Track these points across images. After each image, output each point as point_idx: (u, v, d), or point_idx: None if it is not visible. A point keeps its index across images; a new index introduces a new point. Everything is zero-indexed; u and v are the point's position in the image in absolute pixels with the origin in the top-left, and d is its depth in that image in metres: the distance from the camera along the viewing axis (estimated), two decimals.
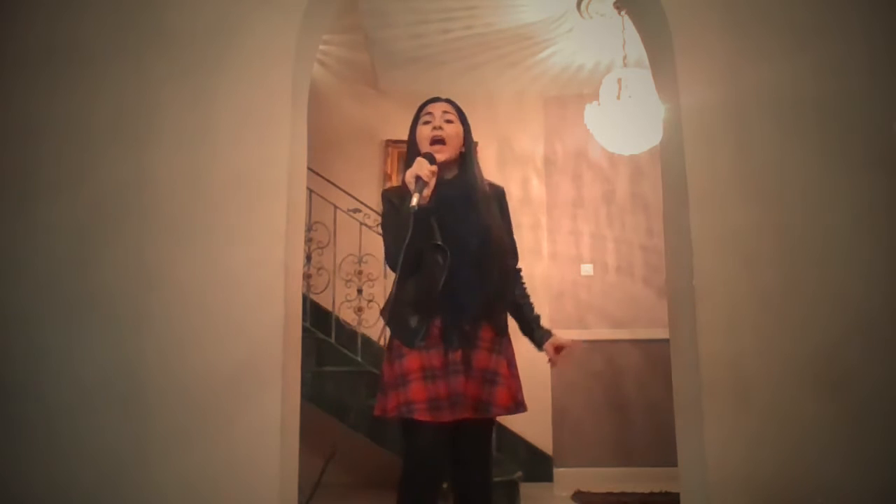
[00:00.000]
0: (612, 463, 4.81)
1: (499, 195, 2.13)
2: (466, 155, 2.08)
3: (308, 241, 4.26)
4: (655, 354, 4.75)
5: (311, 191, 4.21)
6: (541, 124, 5.28)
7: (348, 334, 4.37)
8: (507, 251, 2.06)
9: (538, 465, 4.71)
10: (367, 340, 4.24)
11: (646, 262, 5.11)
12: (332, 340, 4.23)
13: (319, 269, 4.50)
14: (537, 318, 2.14)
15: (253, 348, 2.16)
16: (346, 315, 4.45)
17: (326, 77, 5.12)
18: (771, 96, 2.29)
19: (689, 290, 2.21)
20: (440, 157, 1.96)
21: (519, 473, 4.00)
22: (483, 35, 4.45)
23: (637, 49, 3.78)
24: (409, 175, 1.89)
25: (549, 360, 2.13)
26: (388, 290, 2.02)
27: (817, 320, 2.17)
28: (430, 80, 4.89)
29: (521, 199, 5.11)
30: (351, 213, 4.45)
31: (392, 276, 2.00)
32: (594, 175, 5.25)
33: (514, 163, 5.20)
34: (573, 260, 5.15)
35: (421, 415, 1.84)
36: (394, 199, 2.04)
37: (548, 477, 4.73)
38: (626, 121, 4.00)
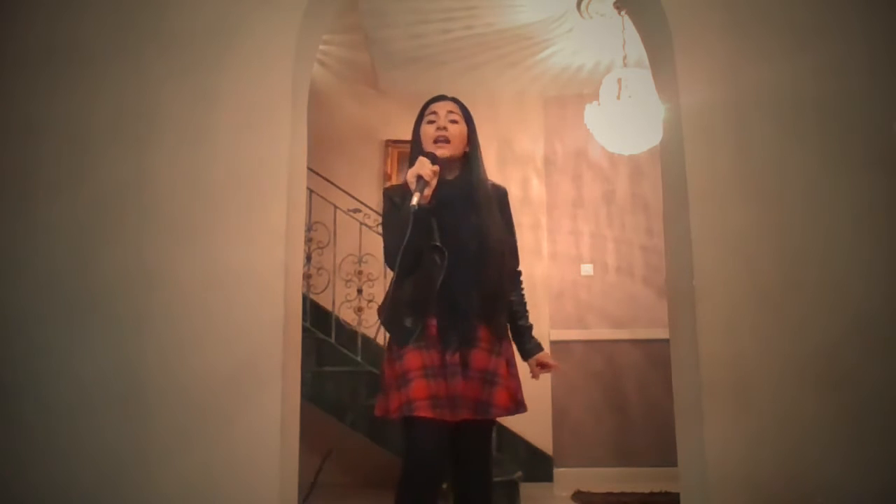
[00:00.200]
0: (612, 463, 4.81)
1: (501, 196, 2.13)
2: (470, 155, 2.07)
3: (308, 241, 4.26)
4: (655, 354, 4.75)
5: (311, 191, 4.21)
6: (541, 124, 5.28)
7: (348, 334, 4.37)
8: (507, 253, 2.05)
9: (538, 465, 4.70)
10: (367, 340, 4.24)
11: (646, 262, 5.11)
12: (332, 340, 4.23)
13: (319, 269, 4.50)
14: (530, 327, 2.14)
15: (253, 348, 2.16)
16: (346, 315, 4.45)
17: (326, 77, 5.12)
18: (771, 96, 2.29)
19: (689, 290, 2.21)
20: (442, 153, 1.96)
21: (519, 473, 4.00)
22: (483, 35, 4.45)
23: (637, 49, 3.78)
24: (411, 174, 1.89)
25: (531, 373, 2.13)
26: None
27: (817, 320, 2.17)
28: (430, 80, 4.89)
29: (521, 199, 5.11)
30: (351, 213, 4.45)
31: (392, 275, 2.00)
32: (594, 175, 5.25)
33: (514, 163, 5.20)
34: (573, 260, 5.15)
35: (422, 411, 1.83)
36: (395, 198, 2.03)
37: (548, 477, 4.73)
38: (626, 121, 4.00)
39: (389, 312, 1.96)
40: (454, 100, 2.11)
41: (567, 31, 4.37)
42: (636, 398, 4.90)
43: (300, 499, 2.15)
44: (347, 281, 4.43)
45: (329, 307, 4.47)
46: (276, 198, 2.25)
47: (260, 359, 2.16)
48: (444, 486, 1.92)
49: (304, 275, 3.76)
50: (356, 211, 4.44)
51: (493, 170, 4.95)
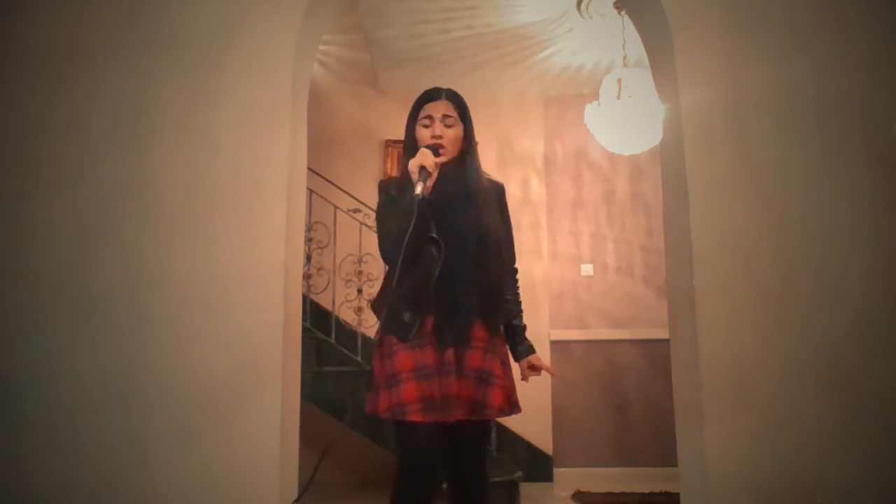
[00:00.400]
0: (612, 463, 4.81)
1: (498, 192, 2.10)
2: (467, 150, 2.03)
3: (308, 241, 4.26)
4: (655, 354, 4.75)
5: (311, 191, 4.22)
6: (541, 124, 5.28)
7: (348, 334, 4.37)
8: (505, 249, 2.03)
9: (538, 465, 4.71)
10: (367, 340, 4.24)
11: (646, 262, 5.11)
12: (332, 340, 4.23)
13: (319, 269, 4.50)
14: (524, 327, 2.09)
15: (253, 348, 2.17)
16: (346, 315, 4.45)
17: (326, 77, 5.12)
18: (771, 96, 2.29)
19: (689, 290, 2.21)
20: (439, 160, 1.92)
21: (519, 473, 4.00)
22: (483, 35, 4.45)
23: (637, 49, 3.78)
24: (413, 164, 1.86)
25: (521, 375, 2.06)
26: None
27: (817, 320, 2.17)
28: (430, 80, 4.81)
29: (521, 199, 5.11)
30: (351, 213, 4.45)
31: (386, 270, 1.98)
32: (594, 175, 5.25)
33: (514, 163, 5.20)
34: (573, 260, 5.15)
35: (414, 416, 1.80)
36: (391, 191, 1.99)
37: (548, 477, 4.74)
38: (626, 121, 4.00)
39: (386, 307, 1.92)
40: (449, 95, 2.05)
41: (567, 31, 4.37)
42: (636, 398, 4.90)
43: (298, 494, 2.16)
44: (347, 281, 4.43)
45: (329, 307, 4.47)
46: (276, 198, 2.25)
47: (260, 359, 2.16)
48: (444, 485, 1.92)
49: (304, 275, 3.76)
50: (356, 211, 4.44)
51: (494, 170, 4.93)
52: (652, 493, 4.18)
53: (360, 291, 4.38)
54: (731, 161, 2.25)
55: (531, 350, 2.07)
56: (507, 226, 2.09)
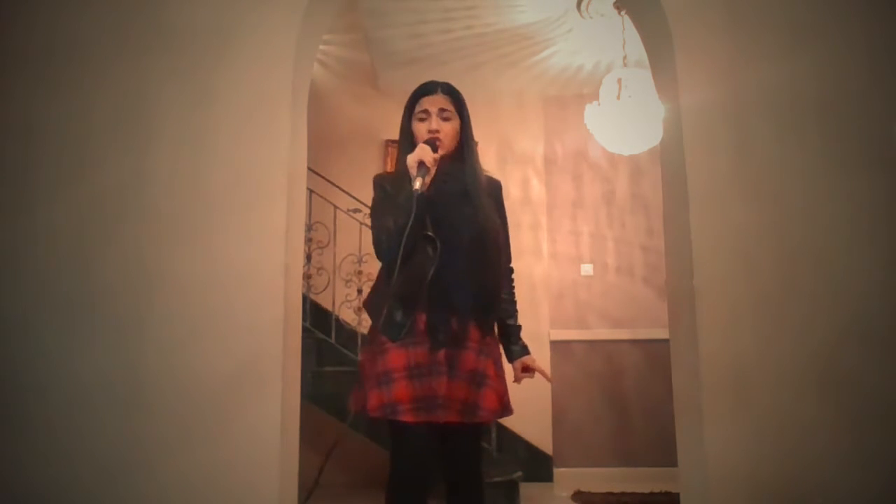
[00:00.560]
0: (612, 463, 4.81)
1: (495, 189, 2.07)
2: (464, 146, 2.00)
3: (308, 241, 4.26)
4: (655, 354, 4.75)
5: (311, 191, 4.22)
6: (541, 124, 5.28)
7: (348, 334, 4.37)
8: (501, 248, 2.00)
9: (538, 465, 4.71)
10: (367, 340, 4.24)
11: (646, 262, 5.11)
12: (332, 340, 4.23)
13: (319, 269, 4.50)
14: (518, 328, 2.07)
15: (253, 348, 2.16)
16: (346, 315, 4.46)
17: (326, 77, 5.12)
18: (771, 96, 2.29)
19: (689, 290, 2.21)
20: (438, 153, 1.89)
21: (519, 473, 4.00)
22: (483, 35, 4.45)
23: (637, 49, 3.78)
24: (412, 159, 1.83)
25: (514, 377, 2.03)
26: None
27: (817, 320, 2.17)
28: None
29: (521, 199, 5.11)
30: (351, 213, 4.45)
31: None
32: (594, 175, 5.25)
33: (514, 163, 5.20)
34: (573, 260, 5.15)
35: (406, 415, 1.78)
36: (387, 186, 1.96)
37: (548, 477, 4.74)
38: (625, 121, 4.01)
39: (378, 305, 1.89)
40: (445, 88, 2.02)
41: (567, 31, 4.38)
42: (636, 398, 4.90)
43: (303, 497, 2.15)
44: (347, 281, 4.44)
45: (329, 307, 4.47)
46: (276, 198, 2.25)
47: (260, 359, 2.16)
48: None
49: (304, 275, 3.76)
50: (356, 211, 4.44)
51: (494, 170, 4.93)
52: (652, 493, 4.18)
53: (360, 291, 4.38)
54: (731, 161, 2.25)
55: (525, 351, 2.04)
56: (504, 224, 2.05)
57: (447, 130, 1.96)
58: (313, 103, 2.61)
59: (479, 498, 1.94)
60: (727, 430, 2.11)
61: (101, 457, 2.13)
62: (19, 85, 2.32)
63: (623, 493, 4.21)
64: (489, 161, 5.10)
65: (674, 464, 2.35)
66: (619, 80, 4.09)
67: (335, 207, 4.46)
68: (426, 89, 2.02)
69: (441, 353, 1.83)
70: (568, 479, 4.67)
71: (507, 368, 2.00)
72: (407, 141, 1.99)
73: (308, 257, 4.30)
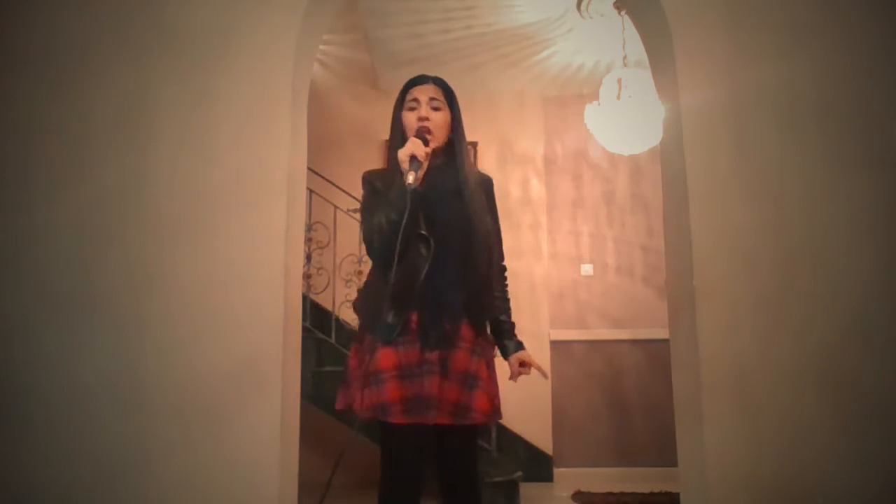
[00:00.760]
0: (612, 463, 4.81)
1: (487, 186, 2.02)
2: (455, 141, 1.95)
3: (308, 241, 4.26)
4: (655, 354, 4.75)
5: (311, 191, 4.22)
6: (541, 124, 5.28)
7: (348, 334, 4.37)
8: (493, 246, 1.96)
9: (538, 465, 4.71)
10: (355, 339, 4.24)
11: (646, 262, 5.11)
12: (332, 340, 4.23)
13: (319, 269, 4.50)
14: (512, 324, 2.02)
15: (253, 348, 2.16)
16: (346, 315, 4.45)
17: (326, 77, 5.12)
18: (771, 96, 2.29)
19: (689, 290, 2.21)
20: (429, 146, 1.83)
21: (519, 473, 4.00)
22: (483, 35, 4.45)
23: (637, 49, 3.78)
24: (403, 154, 1.78)
25: (511, 373, 1.98)
26: None
27: (817, 320, 2.17)
28: None
29: (521, 199, 5.12)
30: (351, 214, 4.45)
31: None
32: (594, 175, 5.26)
33: (514, 163, 5.20)
34: (573, 260, 5.15)
35: (396, 417, 1.75)
36: (376, 183, 1.92)
37: (548, 477, 4.74)
38: (626, 121, 4.01)
39: (369, 306, 1.86)
40: (436, 80, 1.98)
41: (567, 31, 4.38)
42: (636, 398, 4.91)
43: (312, 500, 2.14)
44: (347, 281, 4.44)
45: (329, 307, 4.47)
46: (276, 198, 2.25)
47: (260, 359, 2.16)
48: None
49: (304, 275, 3.76)
50: (356, 211, 4.43)
51: (494, 170, 4.97)
52: (652, 493, 4.18)
53: (360, 291, 4.38)
54: (731, 161, 2.25)
55: (520, 346, 1.99)
56: (496, 221, 2.01)
57: (437, 120, 1.91)
58: (313, 103, 2.61)
59: (475, 499, 1.91)
60: (727, 430, 2.11)
61: (101, 457, 2.13)
62: (19, 85, 2.32)
63: (623, 493, 4.21)
64: (489, 161, 5.11)
65: (674, 464, 2.35)
66: (619, 80, 4.09)
67: (335, 207, 4.46)
68: (416, 81, 1.98)
69: (432, 354, 1.78)
70: (568, 479, 4.67)
71: (501, 373, 1.95)
72: (397, 134, 1.94)
73: (308, 257, 4.31)
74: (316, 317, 4.41)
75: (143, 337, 2.18)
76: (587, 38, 4.45)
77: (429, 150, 1.81)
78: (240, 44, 2.33)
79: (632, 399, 4.92)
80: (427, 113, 1.91)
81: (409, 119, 1.92)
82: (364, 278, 4.39)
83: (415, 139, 1.82)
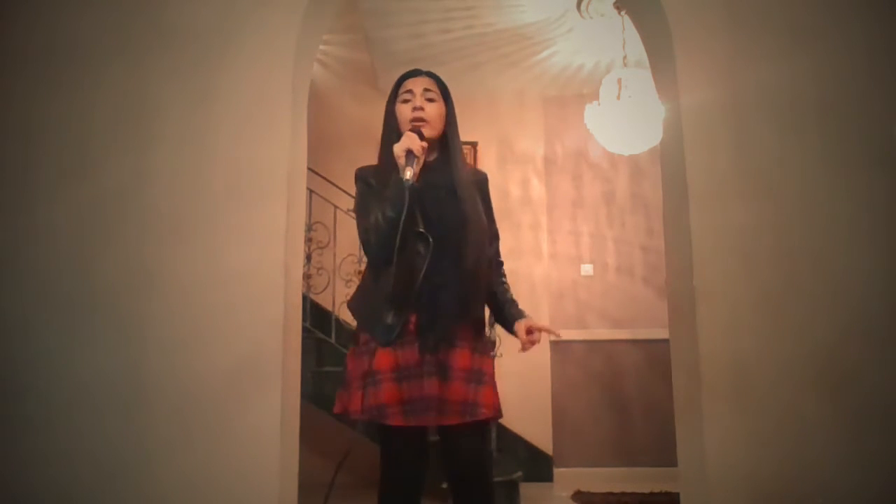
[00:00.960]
0: (612, 463, 4.81)
1: (481, 182, 1.97)
2: (449, 136, 1.91)
3: (308, 241, 4.26)
4: (655, 354, 4.75)
5: (311, 191, 4.22)
6: (541, 124, 5.28)
7: (348, 334, 4.36)
8: (491, 243, 1.93)
9: (538, 465, 4.71)
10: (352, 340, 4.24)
11: (646, 262, 5.11)
12: (332, 340, 4.23)
13: (319, 269, 4.50)
14: (515, 301, 1.96)
15: (253, 348, 2.16)
16: (346, 315, 4.41)
17: (326, 77, 5.12)
18: (771, 96, 2.29)
19: (689, 290, 2.21)
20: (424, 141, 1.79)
21: (519, 473, 4.00)
22: (483, 35, 4.45)
23: (637, 49, 3.78)
24: (399, 149, 1.74)
25: (521, 343, 1.87)
26: None
27: (817, 320, 2.17)
28: None
29: (521, 199, 5.12)
30: (351, 214, 4.44)
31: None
32: (594, 175, 5.26)
33: (514, 163, 5.20)
34: (573, 260, 5.15)
35: (393, 419, 1.72)
36: (370, 179, 1.87)
37: (548, 477, 4.74)
38: (625, 121, 4.01)
39: (366, 306, 1.83)
40: (430, 74, 1.94)
41: (567, 31, 4.38)
42: (636, 398, 4.91)
43: (313, 501, 2.13)
44: (347, 281, 4.44)
45: (329, 307, 4.47)
46: (276, 198, 2.25)
47: (260, 359, 2.16)
48: (445, 485, 1.90)
49: (304, 275, 3.76)
50: None
51: (493, 170, 4.97)
52: (652, 493, 4.18)
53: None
54: (731, 161, 2.25)
55: (523, 314, 1.92)
56: (491, 218, 1.97)
57: (431, 111, 1.87)
58: (313, 103, 2.61)
59: (487, 495, 1.85)
60: (727, 429, 2.11)
61: (101, 457, 2.13)
62: (19, 85, 2.32)
63: (623, 493, 4.21)
64: (489, 161, 5.11)
65: (674, 464, 2.35)
66: (619, 80, 4.10)
67: (335, 207, 4.46)
68: (410, 73, 1.95)
69: (431, 355, 1.76)
70: (568, 479, 4.67)
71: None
72: (391, 128, 1.90)
73: (308, 257, 4.30)
74: (316, 317, 4.41)
75: (144, 337, 2.18)
76: (587, 38, 4.45)
77: (425, 144, 1.77)
78: (240, 44, 2.33)
79: (632, 399, 4.92)
80: (422, 103, 1.86)
81: (404, 111, 1.88)
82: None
83: (410, 133, 1.78)
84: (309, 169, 2.67)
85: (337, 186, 4.52)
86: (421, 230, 1.76)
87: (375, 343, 1.78)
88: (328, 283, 4.45)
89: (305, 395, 2.65)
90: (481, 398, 1.77)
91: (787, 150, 2.26)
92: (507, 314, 1.94)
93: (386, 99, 1.99)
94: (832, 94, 2.28)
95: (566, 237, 5.18)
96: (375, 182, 1.85)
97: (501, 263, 2.03)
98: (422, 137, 1.78)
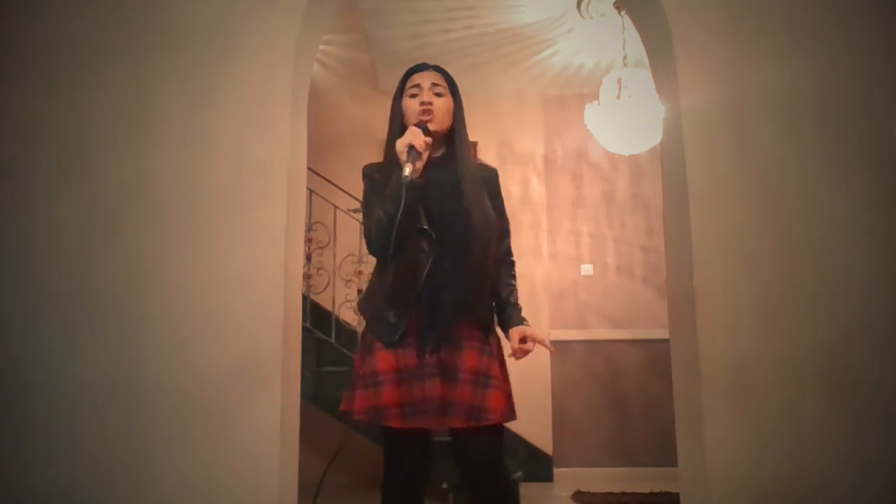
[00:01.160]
0: (612, 463, 4.81)
1: (490, 178, 1.93)
2: (456, 131, 1.88)
3: (308, 241, 4.26)
4: (655, 354, 4.75)
5: (311, 191, 4.22)
6: (541, 124, 5.28)
7: (348, 334, 4.37)
8: (495, 241, 1.87)
9: (538, 465, 4.71)
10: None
11: (646, 262, 5.11)
12: (332, 340, 4.23)
13: (319, 269, 4.50)
14: (519, 308, 1.91)
15: (253, 348, 2.16)
16: (346, 315, 4.45)
17: (326, 77, 5.12)
18: (771, 96, 2.29)
19: (689, 290, 2.21)
20: (429, 136, 1.76)
21: (519, 473, 4.00)
22: (483, 35, 4.45)
23: (637, 49, 3.78)
24: (402, 144, 1.71)
25: (512, 350, 1.83)
26: None
27: (817, 320, 2.17)
28: None
29: (521, 199, 5.11)
30: (351, 213, 4.45)
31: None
32: (594, 175, 5.25)
33: (514, 163, 5.20)
34: (573, 260, 5.15)
35: (393, 421, 1.70)
36: (375, 175, 1.85)
37: (548, 477, 4.74)
38: (625, 121, 4.01)
39: (373, 307, 1.81)
40: (438, 69, 1.92)
41: (567, 31, 4.38)
42: (636, 398, 4.90)
43: (311, 500, 2.13)
44: (347, 281, 4.44)
45: (329, 307, 4.47)
46: (276, 198, 2.25)
47: (260, 359, 2.16)
48: (445, 485, 1.90)
49: (304, 275, 3.76)
50: (356, 211, 4.43)
51: None
52: (652, 493, 4.18)
53: (360, 291, 4.36)
54: (731, 161, 2.25)
55: (522, 321, 1.87)
56: (502, 215, 1.94)
57: (440, 105, 1.84)
58: (313, 103, 2.61)
59: (503, 494, 1.81)
60: (727, 429, 2.11)
61: (101, 457, 2.13)
62: (20, 85, 2.33)
63: (623, 493, 4.21)
64: (489, 161, 5.08)
65: (674, 464, 2.35)
66: (619, 80, 4.09)
67: (335, 207, 4.46)
68: (417, 68, 1.94)
69: (433, 356, 1.72)
70: (568, 479, 4.67)
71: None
72: (397, 124, 1.88)
73: (308, 257, 4.30)
74: (316, 317, 4.41)
75: (144, 336, 2.18)
76: (587, 38, 4.45)
77: (428, 139, 1.74)
78: (240, 44, 2.33)
79: (632, 399, 4.92)
80: (430, 98, 1.84)
81: (411, 105, 1.86)
82: (364, 278, 4.42)
83: (414, 128, 1.75)
84: (309, 169, 2.67)
85: (337, 186, 4.52)
86: (424, 227, 1.73)
87: (380, 343, 1.76)
88: (328, 283, 4.45)
89: (305, 395, 2.64)
90: (488, 402, 1.73)
91: (787, 150, 2.26)
92: (507, 317, 1.89)
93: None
94: (832, 94, 2.28)
95: (566, 237, 5.18)
96: (380, 178, 1.83)
97: (512, 263, 1.97)
98: (427, 133, 1.75)
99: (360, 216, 4.37)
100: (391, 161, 1.79)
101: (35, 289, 2.22)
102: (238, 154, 2.27)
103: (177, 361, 2.16)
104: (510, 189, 5.10)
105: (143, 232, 2.23)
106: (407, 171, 1.66)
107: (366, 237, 1.85)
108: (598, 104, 4.14)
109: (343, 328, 4.42)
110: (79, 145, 2.29)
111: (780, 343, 2.16)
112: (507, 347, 1.89)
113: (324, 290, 4.46)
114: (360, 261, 4.39)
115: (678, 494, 2.33)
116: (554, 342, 4.89)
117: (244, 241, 2.22)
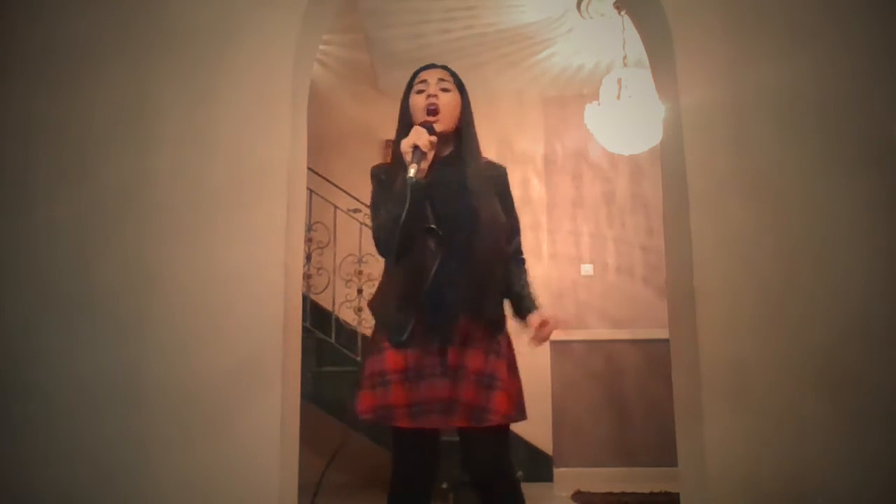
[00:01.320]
0: (612, 463, 4.81)
1: (499, 176, 1.92)
2: (463, 129, 1.87)
3: (308, 241, 4.27)
4: (655, 354, 4.75)
5: (311, 191, 4.22)
6: (541, 124, 5.28)
7: (348, 334, 4.38)
8: (503, 240, 1.87)
9: (538, 465, 4.71)
10: (367, 340, 4.23)
11: (646, 262, 5.11)
12: (332, 340, 4.23)
13: (319, 269, 4.50)
14: (533, 295, 1.90)
15: (253, 348, 2.16)
16: (346, 315, 4.46)
17: (326, 77, 5.12)
18: (771, 96, 2.29)
19: (689, 290, 2.21)
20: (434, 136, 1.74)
21: (519, 473, 3.98)
22: (483, 35, 4.45)
23: (637, 49, 3.78)
24: (406, 144, 1.70)
25: (530, 338, 1.80)
26: None
27: (817, 320, 2.17)
28: None
29: (521, 199, 5.07)
30: (351, 213, 4.45)
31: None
32: (594, 175, 5.26)
33: (514, 163, 5.18)
34: (573, 260, 5.15)
35: (401, 421, 1.70)
36: (383, 176, 1.85)
37: (548, 477, 4.74)
38: (625, 121, 4.01)
39: (382, 307, 1.81)
40: (445, 67, 1.93)
41: (567, 31, 4.38)
42: (636, 398, 4.90)
43: (309, 498, 2.13)
44: (347, 281, 4.44)
45: (329, 307, 4.47)
46: (276, 198, 2.25)
47: (260, 359, 2.16)
48: (445, 485, 1.90)
49: (304, 275, 3.76)
50: (356, 211, 4.44)
51: None
52: (652, 493, 4.18)
53: (360, 291, 4.38)
54: (730, 161, 2.25)
55: (537, 307, 1.85)
56: (512, 214, 1.92)
57: (446, 101, 1.84)
58: (313, 103, 2.61)
59: (511, 494, 1.82)
60: (727, 430, 2.11)
61: (101, 457, 2.13)
62: (20, 85, 2.33)
63: (623, 493, 4.21)
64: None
65: (674, 464, 2.35)
66: (619, 80, 4.09)
67: (335, 207, 4.46)
68: (425, 67, 1.95)
69: (445, 354, 1.73)
70: (568, 479, 4.67)
71: (522, 367, 1.86)
72: (405, 123, 1.86)
73: (308, 257, 4.31)
74: (316, 317, 4.41)
75: (144, 336, 2.18)
76: (587, 38, 4.45)
77: (433, 138, 1.73)
78: (240, 44, 2.33)
79: (632, 399, 4.92)
80: (436, 91, 1.84)
81: (418, 102, 1.85)
82: (364, 278, 4.43)
83: (418, 128, 1.73)
84: (309, 169, 2.67)
85: (337, 186, 4.52)
86: (431, 226, 1.73)
87: (389, 343, 1.76)
88: (328, 283, 4.45)
89: (305, 395, 2.65)
90: (492, 404, 1.73)
91: (786, 151, 2.26)
92: (526, 306, 1.86)
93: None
94: (832, 94, 2.28)
95: (566, 237, 5.18)
96: (387, 179, 1.83)
97: (523, 261, 1.97)
98: (432, 132, 1.74)
99: (359, 216, 4.40)
100: (398, 162, 1.77)
101: (35, 289, 2.22)
102: (238, 154, 2.28)
103: (177, 361, 2.16)
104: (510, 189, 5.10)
105: (143, 232, 2.23)
106: (411, 171, 1.65)
107: (374, 238, 1.84)
108: (598, 104, 4.14)
109: (343, 328, 4.42)
110: (79, 145, 2.29)
111: (779, 343, 2.16)
112: (518, 345, 1.88)
113: (324, 290, 4.46)
114: (360, 261, 4.40)
115: (678, 494, 2.33)
116: (554, 342, 4.91)
117: (244, 240, 2.22)
